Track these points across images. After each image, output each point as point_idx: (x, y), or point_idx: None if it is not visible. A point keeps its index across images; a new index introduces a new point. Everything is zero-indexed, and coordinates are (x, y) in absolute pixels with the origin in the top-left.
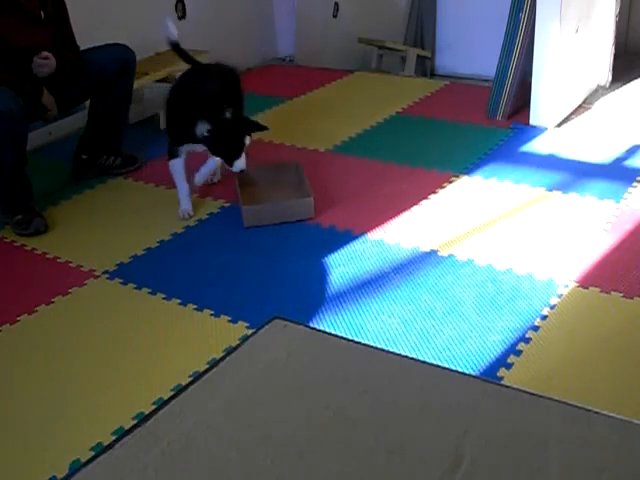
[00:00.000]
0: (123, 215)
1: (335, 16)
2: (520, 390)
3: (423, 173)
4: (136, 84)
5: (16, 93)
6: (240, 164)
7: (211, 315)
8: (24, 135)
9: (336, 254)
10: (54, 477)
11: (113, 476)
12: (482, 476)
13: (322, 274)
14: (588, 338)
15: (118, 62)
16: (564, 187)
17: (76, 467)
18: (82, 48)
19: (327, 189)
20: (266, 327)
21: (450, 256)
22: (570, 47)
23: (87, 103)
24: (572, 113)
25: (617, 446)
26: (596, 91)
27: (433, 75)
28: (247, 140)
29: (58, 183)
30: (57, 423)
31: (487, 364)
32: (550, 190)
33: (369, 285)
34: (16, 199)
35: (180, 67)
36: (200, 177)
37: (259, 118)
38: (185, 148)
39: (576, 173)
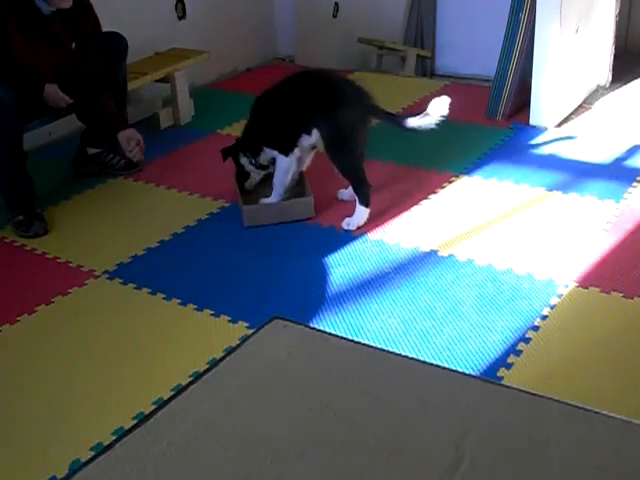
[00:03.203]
0: (123, 215)
1: (335, 16)
2: (520, 390)
3: (423, 173)
4: (136, 84)
5: (15, 90)
6: None
7: (211, 315)
8: (17, 126)
9: (336, 254)
10: (54, 477)
11: (113, 476)
12: (482, 476)
13: (322, 274)
14: (588, 338)
15: (113, 45)
16: (564, 187)
17: (76, 467)
18: None
19: (327, 189)
20: (266, 327)
21: (450, 256)
22: (570, 47)
23: None
24: (572, 113)
25: (617, 446)
26: (596, 91)
27: (433, 75)
28: None
29: (58, 183)
30: (57, 423)
31: (487, 364)
32: (550, 190)
33: (369, 285)
34: (16, 195)
35: (177, 67)
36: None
37: None
38: None
39: (576, 173)
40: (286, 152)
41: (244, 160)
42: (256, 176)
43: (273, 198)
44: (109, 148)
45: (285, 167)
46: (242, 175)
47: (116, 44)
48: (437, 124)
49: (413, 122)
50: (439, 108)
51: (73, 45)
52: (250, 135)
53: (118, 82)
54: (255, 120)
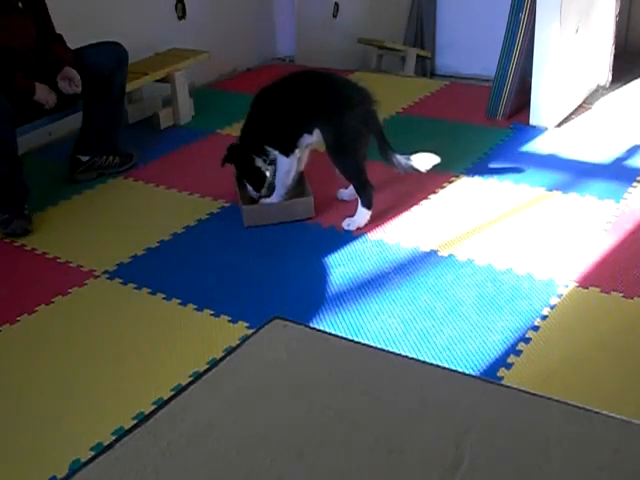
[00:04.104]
0: (123, 215)
1: (335, 16)
2: (520, 390)
3: (423, 173)
4: (136, 84)
5: (6, 93)
6: None
7: (211, 315)
8: (11, 137)
9: (336, 254)
10: (54, 477)
11: (113, 476)
12: (482, 476)
13: (322, 274)
14: (588, 338)
15: (112, 58)
16: (564, 187)
17: (76, 467)
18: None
19: (327, 189)
20: (266, 327)
21: (450, 256)
22: (570, 47)
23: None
24: (572, 113)
25: (617, 446)
26: (596, 91)
27: (433, 75)
28: None
29: (58, 183)
30: (57, 423)
31: (487, 364)
32: (550, 190)
33: (369, 285)
34: (7, 199)
35: (177, 67)
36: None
37: None
38: None
39: (576, 173)
40: (287, 153)
41: (260, 162)
42: (270, 175)
43: (274, 198)
44: (98, 152)
45: (286, 168)
46: (258, 179)
47: (116, 55)
48: (436, 124)
49: (394, 157)
50: (423, 163)
51: (20, 4)
52: (253, 135)
53: (114, 92)
54: (256, 119)
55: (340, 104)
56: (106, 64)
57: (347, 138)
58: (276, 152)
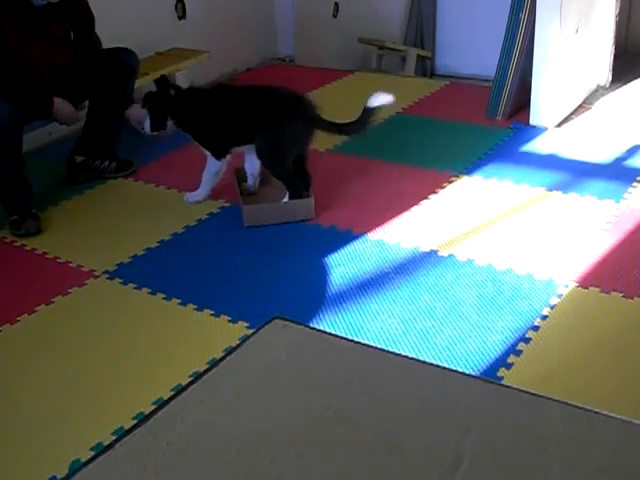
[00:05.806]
0: (123, 215)
1: (335, 16)
2: (520, 390)
3: (423, 173)
4: (137, 84)
5: (19, 97)
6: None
7: (211, 315)
8: (17, 142)
9: (336, 254)
10: (54, 477)
11: (113, 476)
12: (482, 476)
13: (322, 274)
14: (588, 338)
15: (125, 66)
16: (564, 187)
17: (76, 467)
18: None
19: (327, 189)
20: (266, 327)
21: (450, 256)
22: (570, 47)
23: (85, 103)
24: (572, 113)
25: (617, 446)
26: (596, 91)
27: (433, 75)
28: None
29: (58, 183)
30: (57, 423)
31: (487, 364)
32: (550, 190)
33: (369, 285)
34: (15, 201)
35: (178, 67)
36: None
37: None
38: None
39: (576, 173)
40: (219, 157)
41: (170, 123)
42: (169, 131)
43: (198, 196)
44: (94, 155)
45: (216, 170)
46: (159, 125)
47: (128, 61)
48: (436, 124)
49: (353, 126)
50: (377, 100)
51: (71, 35)
52: (189, 119)
53: (121, 100)
54: (200, 114)
55: (276, 117)
56: (118, 68)
57: (280, 148)
58: (208, 153)
